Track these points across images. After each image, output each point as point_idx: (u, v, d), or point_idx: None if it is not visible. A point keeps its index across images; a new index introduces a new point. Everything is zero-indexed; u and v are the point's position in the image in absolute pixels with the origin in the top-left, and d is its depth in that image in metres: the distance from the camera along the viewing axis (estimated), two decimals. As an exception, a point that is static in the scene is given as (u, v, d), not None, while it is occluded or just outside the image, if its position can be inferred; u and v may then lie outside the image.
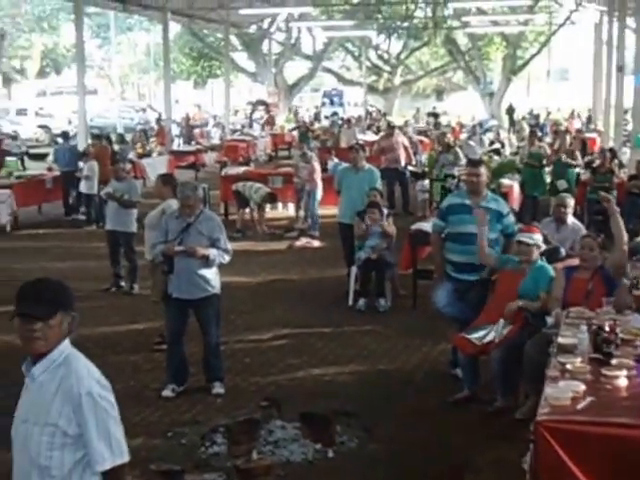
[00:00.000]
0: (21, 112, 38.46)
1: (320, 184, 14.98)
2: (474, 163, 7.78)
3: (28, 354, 3.21)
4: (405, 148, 17.85)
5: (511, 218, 7.41)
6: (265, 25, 39.59)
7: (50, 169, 18.15)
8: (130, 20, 53.63)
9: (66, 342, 3.20)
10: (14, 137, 25.76)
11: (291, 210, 16.91)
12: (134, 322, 9.61)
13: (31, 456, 3.14)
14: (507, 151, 21.06)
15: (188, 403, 7.13)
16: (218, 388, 7.34)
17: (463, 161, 16.44)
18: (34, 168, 21.35)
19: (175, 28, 39.95)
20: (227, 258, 7.17)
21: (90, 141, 19.47)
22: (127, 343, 8.80)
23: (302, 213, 15.75)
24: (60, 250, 13.99)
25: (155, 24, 41.89)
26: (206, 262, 7.04)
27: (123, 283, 11.07)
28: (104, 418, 3.13)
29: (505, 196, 11.52)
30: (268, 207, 15.88)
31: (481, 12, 37.70)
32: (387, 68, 49.23)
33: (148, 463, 5.75)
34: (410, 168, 17.99)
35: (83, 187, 16.02)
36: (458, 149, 16.62)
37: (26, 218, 16.61)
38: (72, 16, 27.05)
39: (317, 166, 15.33)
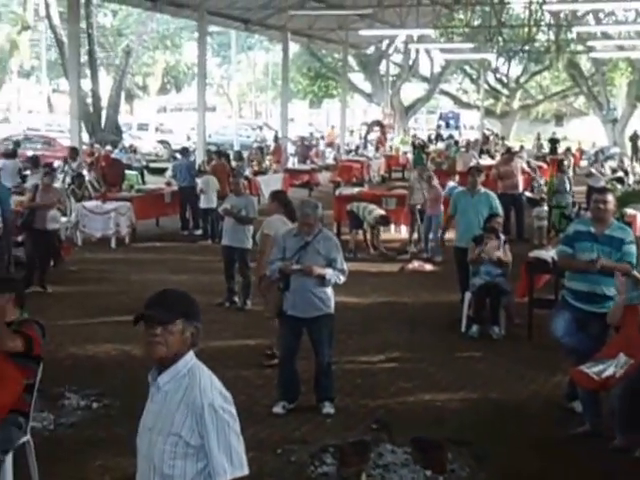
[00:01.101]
0: (142, 127, 39.67)
1: (442, 209, 14.75)
2: (601, 190, 7.53)
3: (151, 361, 3.28)
4: (524, 173, 17.49)
5: (632, 248, 7.03)
6: (383, 46, 39.73)
7: (169, 184, 18.58)
8: (250, 39, 54.65)
9: (191, 353, 3.27)
10: (133, 151, 26.50)
11: (404, 232, 16.81)
12: (246, 337, 9.68)
13: (154, 464, 3.19)
14: (630, 180, 20.44)
15: (298, 421, 7.12)
16: (328, 408, 7.30)
17: (567, 187, 16.07)
18: (153, 182, 21.91)
19: (294, 48, 40.52)
20: (342, 278, 7.13)
21: (206, 157, 19.88)
22: (239, 358, 8.86)
23: (415, 236, 15.62)
24: (175, 263, 14.27)
25: (275, 44, 42.60)
26: (322, 281, 7.03)
27: (236, 298, 11.18)
28: (225, 430, 3.16)
29: (628, 226, 11.14)
30: (382, 229, 15.82)
31: (606, 37, 36.82)
32: (505, 92, 48.69)
33: (258, 479, 5.76)
34: (527, 194, 17.64)
35: (202, 202, 16.33)
36: (566, 177, 16.19)
37: (144, 231, 17.01)
38: (195, 34, 27.76)
39: (441, 191, 15.15)
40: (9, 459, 5.18)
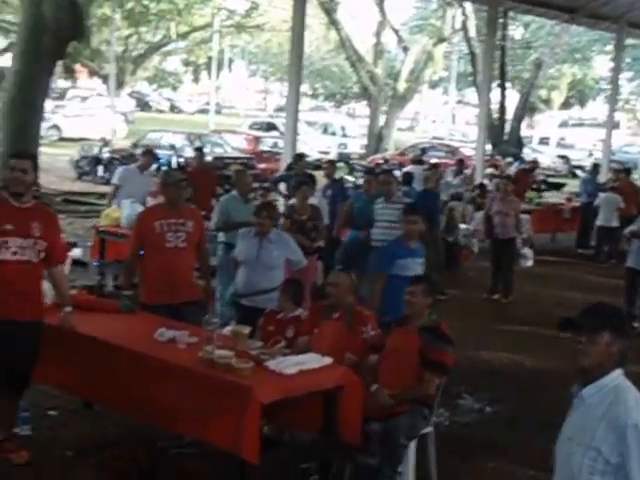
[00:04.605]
0: (543, 141, 39.47)
1: None
2: None
3: (576, 374, 3.32)
4: None
5: None
6: None
7: (569, 199, 18.39)
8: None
9: (618, 371, 3.25)
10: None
11: None
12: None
13: (572, 474, 3.22)
14: None
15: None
16: None
17: None
18: (550, 197, 21.72)
19: None
20: None
21: (612, 175, 19.28)
22: None
23: None
24: (570, 279, 14.07)
25: None
26: None
27: (636, 324, 10.71)
28: (647, 453, 3.10)
29: None
30: None
31: None
32: None
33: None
34: None
35: (599, 220, 15.90)
36: None
37: (539, 244, 16.94)
38: (607, 47, 26.98)
39: None
40: (413, 445, 5.52)
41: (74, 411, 6.64)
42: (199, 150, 15.12)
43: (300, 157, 13.20)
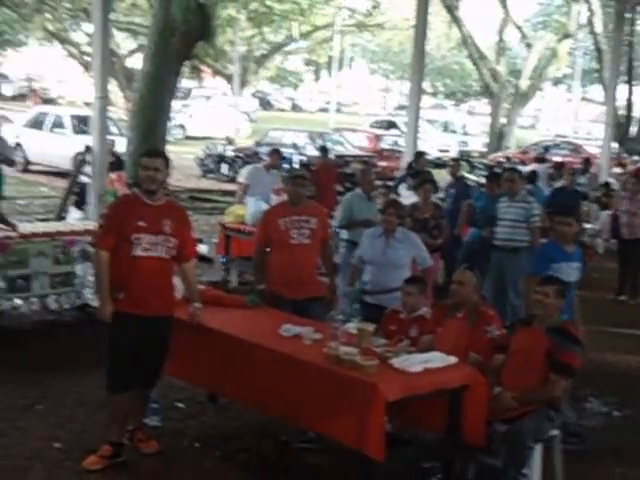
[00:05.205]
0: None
1: None
2: None
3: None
4: None
5: None
6: None
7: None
8: None
9: None
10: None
11: None
12: None
13: None
14: None
15: None
16: None
17: None
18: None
19: None
20: None
21: None
22: None
23: None
24: None
25: None
26: None
27: None
28: None
29: None
30: None
31: None
32: None
33: None
34: None
35: None
36: None
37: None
38: None
39: None
40: (539, 448, 5.43)
41: (201, 403, 6.81)
42: (323, 149, 15.27)
43: (420, 155, 13.16)
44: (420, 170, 12.06)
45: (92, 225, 8.87)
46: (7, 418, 6.32)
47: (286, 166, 18.80)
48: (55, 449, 5.85)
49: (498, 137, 34.77)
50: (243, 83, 39.52)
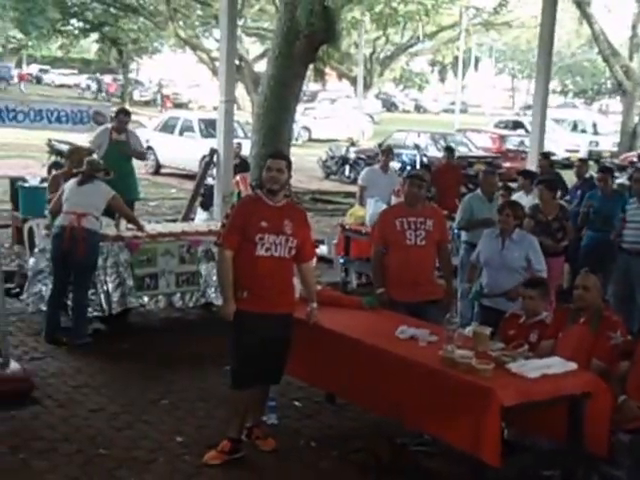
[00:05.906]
0: None
1: None
2: None
3: None
4: None
5: None
6: None
7: None
8: None
9: None
10: None
11: None
12: None
13: None
14: None
15: None
16: None
17: None
18: None
19: None
20: None
21: None
22: None
23: None
24: None
25: None
26: None
27: None
28: None
29: None
30: None
31: None
32: None
33: None
34: None
35: None
36: None
37: None
38: None
39: None
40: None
41: (318, 403, 6.87)
42: (449, 149, 15.14)
43: (546, 156, 12.84)
44: (528, 171, 11.70)
45: (216, 225, 9.07)
46: (134, 412, 6.56)
47: (404, 167, 18.79)
48: (177, 443, 6.03)
49: (631, 136, 33.58)
50: (367, 85, 39.57)
